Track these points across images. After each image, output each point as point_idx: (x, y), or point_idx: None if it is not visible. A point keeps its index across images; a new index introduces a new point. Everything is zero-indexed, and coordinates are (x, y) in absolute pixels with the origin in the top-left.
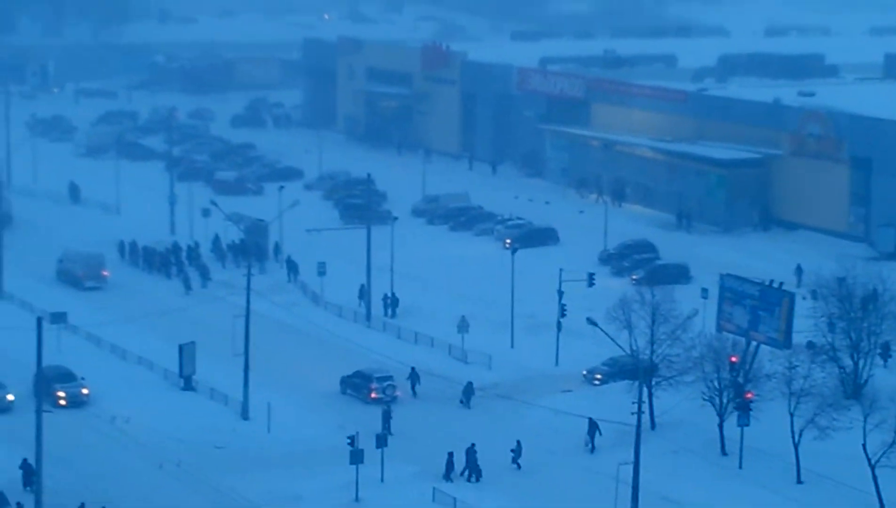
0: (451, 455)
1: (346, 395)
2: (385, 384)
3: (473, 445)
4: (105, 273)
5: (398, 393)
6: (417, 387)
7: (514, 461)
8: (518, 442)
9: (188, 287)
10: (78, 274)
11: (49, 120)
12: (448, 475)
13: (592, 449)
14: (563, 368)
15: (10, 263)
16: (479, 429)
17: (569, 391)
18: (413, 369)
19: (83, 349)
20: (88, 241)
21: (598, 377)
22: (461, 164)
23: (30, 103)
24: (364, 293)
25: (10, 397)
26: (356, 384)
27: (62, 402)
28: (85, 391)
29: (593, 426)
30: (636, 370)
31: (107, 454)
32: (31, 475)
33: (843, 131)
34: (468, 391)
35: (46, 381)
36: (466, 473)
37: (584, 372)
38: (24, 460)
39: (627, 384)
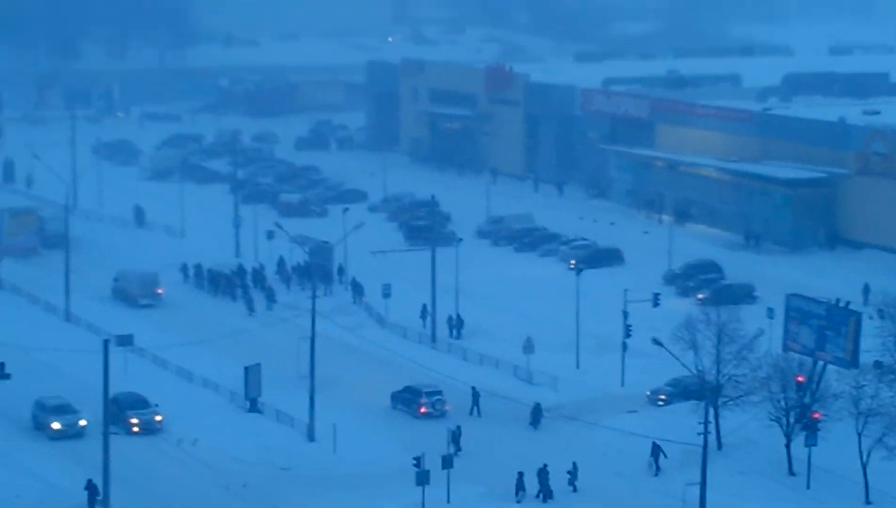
0: (521, 475)
1: (396, 410)
2: (434, 398)
3: (546, 466)
4: (159, 291)
5: (447, 408)
6: (478, 407)
7: (571, 483)
8: (574, 464)
9: (251, 309)
10: (133, 292)
11: (114, 144)
12: (517, 495)
13: (657, 472)
14: (629, 389)
15: (71, 283)
16: (545, 450)
17: (634, 411)
18: (474, 388)
19: (149, 372)
20: (153, 263)
21: (662, 397)
22: (526, 185)
23: (95, 127)
24: (425, 313)
25: (83, 422)
26: (406, 399)
27: (135, 429)
28: (158, 417)
29: (657, 449)
30: (700, 391)
31: (173, 476)
32: (95, 495)
33: None
34: (536, 412)
35: (120, 407)
36: (540, 494)
37: (648, 393)
38: (89, 480)
39: (693, 405)
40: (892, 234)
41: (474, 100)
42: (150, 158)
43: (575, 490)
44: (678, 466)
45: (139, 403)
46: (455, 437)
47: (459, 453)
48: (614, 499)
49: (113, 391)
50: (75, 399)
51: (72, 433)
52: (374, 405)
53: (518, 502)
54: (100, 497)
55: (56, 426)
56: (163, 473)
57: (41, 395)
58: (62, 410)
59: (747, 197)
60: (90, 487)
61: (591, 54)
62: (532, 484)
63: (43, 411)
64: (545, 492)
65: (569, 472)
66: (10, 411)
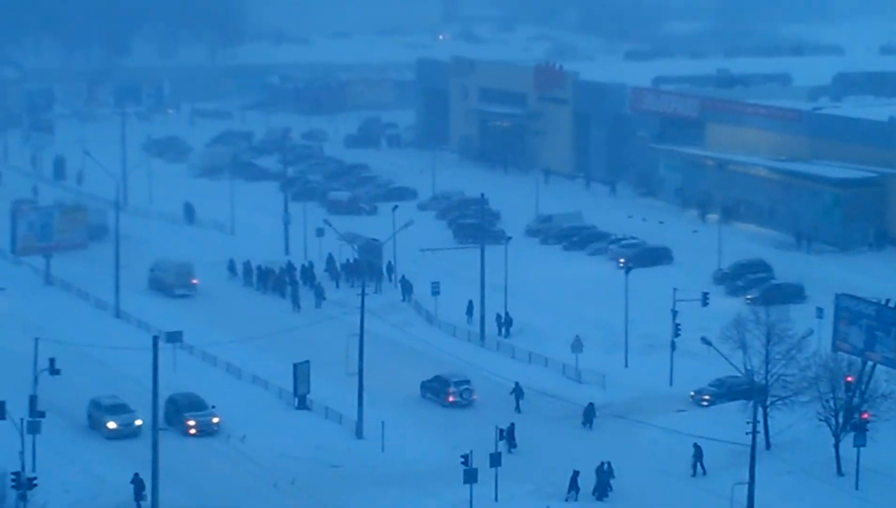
0: (576, 473)
1: (425, 399)
2: (462, 387)
3: (603, 464)
4: (194, 281)
5: (475, 397)
6: (522, 403)
7: (606, 482)
8: (608, 463)
9: (297, 306)
10: (168, 282)
11: (164, 141)
12: (569, 493)
13: (704, 473)
14: (678, 388)
15: (110, 275)
16: (593, 448)
17: (683, 410)
18: (517, 384)
19: (198, 369)
20: (203, 260)
21: (706, 398)
22: (576, 184)
23: (145, 124)
24: (471, 310)
25: (139, 422)
26: (434, 388)
27: (192, 431)
28: (215, 419)
29: (699, 451)
30: (744, 391)
31: (222, 472)
32: (141, 489)
33: None
34: (589, 411)
35: (177, 408)
36: (596, 491)
37: (692, 393)
38: (136, 474)
39: (742, 404)
40: None
41: (524, 98)
42: (200, 156)
43: (610, 488)
44: (727, 465)
45: (197, 404)
46: (509, 433)
47: (514, 449)
48: (663, 498)
49: (163, 388)
50: (128, 396)
51: (127, 433)
52: (425, 402)
53: (566, 500)
54: (145, 492)
55: (112, 425)
56: (211, 469)
57: (97, 394)
58: (118, 409)
59: (797, 197)
60: (136, 481)
61: (642, 53)
62: (587, 484)
63: (99, 410)
64: (601, 490)
65: (603, 471)
66: (64, 408)
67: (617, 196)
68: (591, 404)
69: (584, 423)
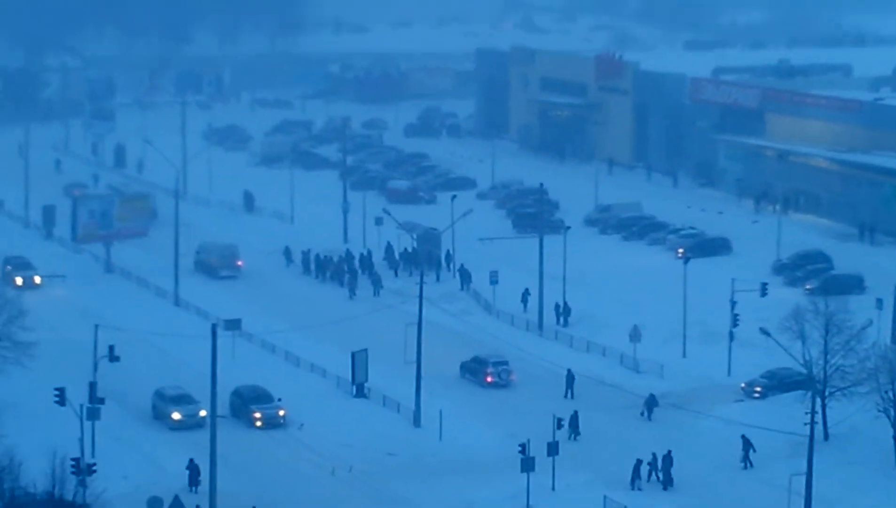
0: (639, 462)
1: (464, 379)
2: (500, 368)
3: (670, 452)
4: (239, 263)
5: (513, 377)
6: (571, 389)
7: (653, 473)
8: (654, 454)
9: (353, 294)
10: (213, 264)
11: (224, 129)
12: (633, 484)
13: (750, 466)
14: (736, 378)
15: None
16: (650, 438)
17: (740, 401)
18: (569, 370)
19: (257, 356)
20: (262, 248)
21: (758, 389)
22: (635, 174)
23: (206, 113)
24: (527, 299)
25: (203, 412)
26: (473, 369)
27: (258, 423)
28: (282, 412)
29: (747, 444)
30: (795, 382)
31: (280, 459)
32: (197, 474)
33: None
34: (651, 402)
35: (243, 401)
36: (660, 481)
37: (743, 385)
38: (191, 460)
39: (800, 395)
40: None
41: (584, 88)
42: (260, 144)
43: (659, 479)
44: (784, 456)
45: (263, 397)
46: (573, 421)
47: (579, 437)
48: (721, 488)
49: (222, 375)
50: (188, 384)
51: (191, 423)
52: (483, 391)
53: (638, 489)
54: (201, 477)
55: (176, 416)
56: (270, 457)
57: (161, 384)
58: (183, 400)
59: (857, 188)
60: (191, 466)
61: (702, 43)
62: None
63: (163, 400)
64: (666, 479)
65: (648, 463)
66: (125, 396)
67: (678, 187)
68: (652, 395)
69: (642, 413)
